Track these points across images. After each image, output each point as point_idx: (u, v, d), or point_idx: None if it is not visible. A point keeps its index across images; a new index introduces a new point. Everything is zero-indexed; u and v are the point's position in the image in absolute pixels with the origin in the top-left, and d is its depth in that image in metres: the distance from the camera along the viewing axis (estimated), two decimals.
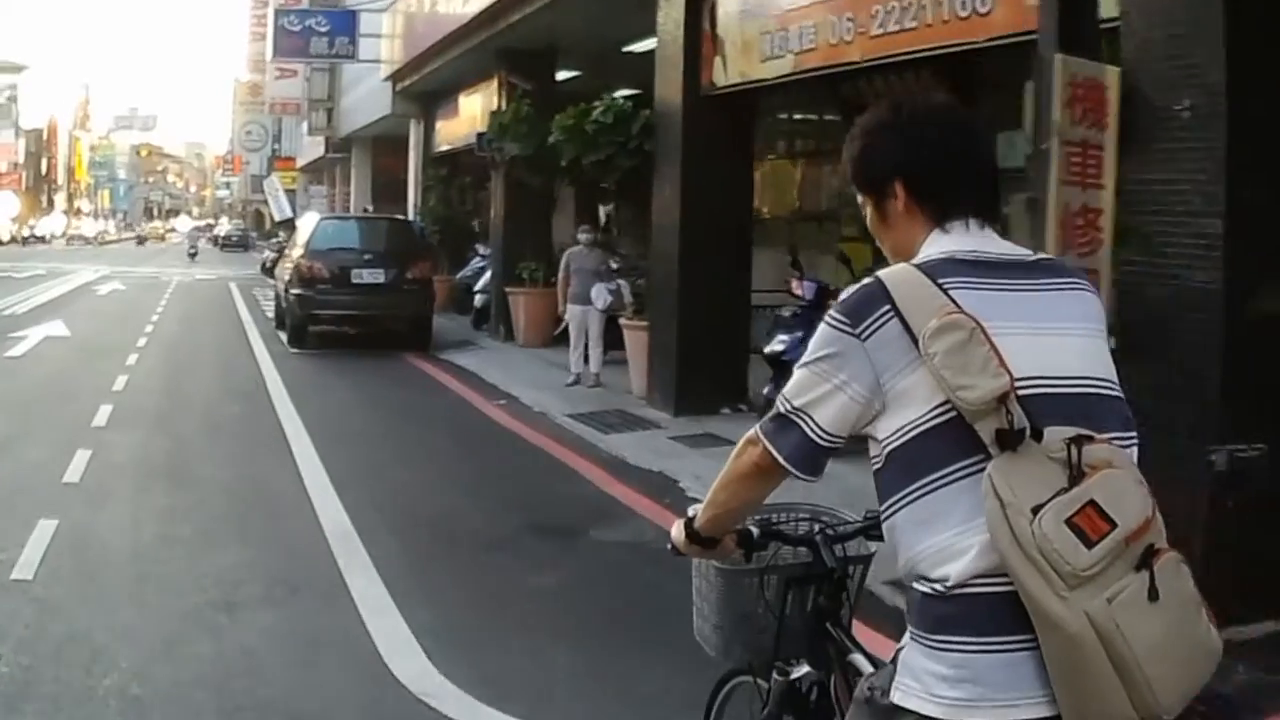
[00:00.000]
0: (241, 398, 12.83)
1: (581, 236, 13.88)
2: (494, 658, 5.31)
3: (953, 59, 8.29)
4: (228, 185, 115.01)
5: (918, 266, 2.00)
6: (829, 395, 1.99)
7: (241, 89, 68.29)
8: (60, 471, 8.65)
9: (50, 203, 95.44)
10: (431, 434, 11.26)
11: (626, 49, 15.36)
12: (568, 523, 7.75)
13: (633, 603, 6.12)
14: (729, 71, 10.86)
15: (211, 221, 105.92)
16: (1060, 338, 1.98)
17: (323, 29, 25.26)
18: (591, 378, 13.36)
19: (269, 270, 31.48)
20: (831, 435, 2.01)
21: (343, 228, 19.58)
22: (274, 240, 39.73)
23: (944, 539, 1.90)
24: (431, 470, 9.54)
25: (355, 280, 16.95)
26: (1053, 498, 1.80)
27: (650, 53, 12.49)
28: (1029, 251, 2.11)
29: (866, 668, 2.46)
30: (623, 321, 12.96)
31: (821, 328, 2.02)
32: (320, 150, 40.64)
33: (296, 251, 18.20)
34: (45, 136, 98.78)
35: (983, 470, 1.85)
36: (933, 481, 1.91)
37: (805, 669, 2.70)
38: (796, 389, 2.03)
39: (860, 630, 2.76)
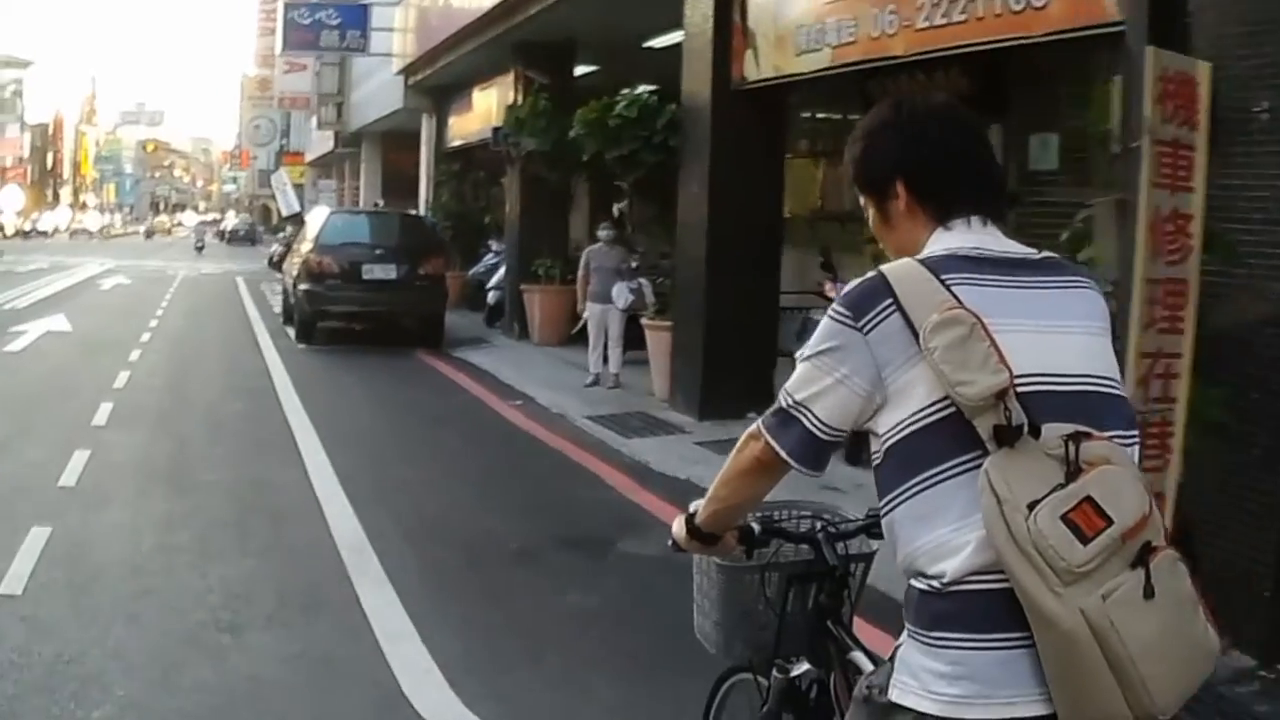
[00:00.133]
0: (247, 396, 12.40)
1: (602, 234, 13.44)
2: (524, 689, 4.86)
3: (984, 57, 7.95)
4: (235, 180, 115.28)
5: (921, 261, 1.99)
6: (830, 389, 1.98)
7: (250, 84, 68.16)
8: (56, 474, 8.21)
9: (56, 197, 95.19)
10: (446, 435, 10.85)
11: (647, 44, 15.08)
12: (594, 534, 7.31)
13: (672, 627, 5.55)
14: (761, 66, 10.46)
15: (218, 216, 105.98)
16: (1063, 335, 1.97)
17: (334, 22, 25.03)
18: (611, 379, 12.97)
19: (276, 264, 31.44)
20: (832, 429, 2.00)
21: (354, 222, 19.21)
22: (281, 235, 39.47)
23: (941, 535, 1.89)
24: (447, 473, 9.10)
25: (366, 276, 16.56)
26: (1049, 494, 1.79)
27: (672, 48, 12.14)
28: (1032, 249, 2.09)
29: (867, 666, 2.44)
30: (645, 321, 12.54)
31: (824, 321, 2.01)
32: (329, 145, 40.57)
33: (305, 246, 17.75)
34: (51, 131, 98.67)
35: (980, 466, 1.84)
36: (930, 477, 1.90)
37: (805, 666, 2.70)
38: (798, 383, 2.03)
39: (864, 628, 2.73)
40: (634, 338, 12.90)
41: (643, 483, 8.63)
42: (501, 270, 18.86)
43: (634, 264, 13.64)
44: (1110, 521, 1.79)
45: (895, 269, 1.99)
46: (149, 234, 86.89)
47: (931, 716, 1.87)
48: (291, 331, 17.86)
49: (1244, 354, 5.17)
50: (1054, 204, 9.55)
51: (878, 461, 2.00)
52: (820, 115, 13.79)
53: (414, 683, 4.78)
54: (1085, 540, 1.77)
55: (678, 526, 2.50)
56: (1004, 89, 9.79)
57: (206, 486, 8.20)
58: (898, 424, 1.94)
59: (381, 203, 30.16)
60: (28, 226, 71.20)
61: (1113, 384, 2.00)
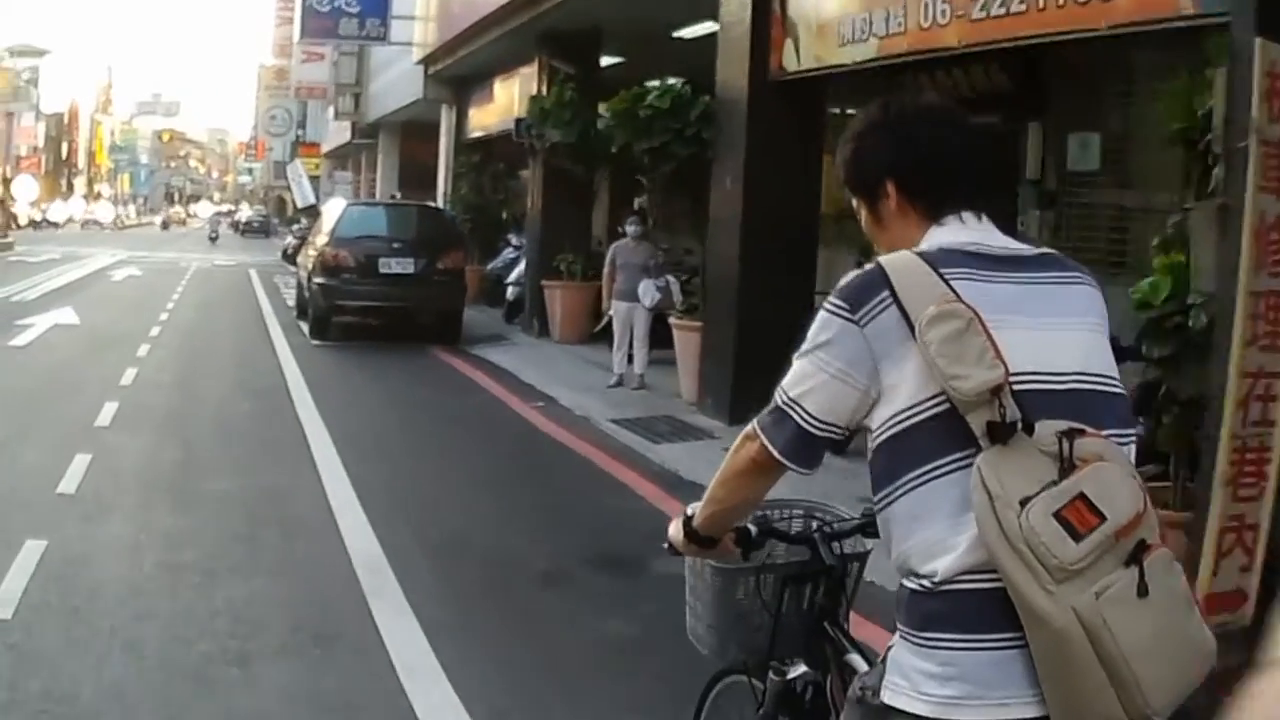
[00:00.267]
0: (259, 395, 11.95)
1: (629, 229, 12.95)
2: None
3: (1023, 53, 7.63)
4: (250, 171, 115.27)
5: (920, 255, 1.96)
6: (824, 384, 1.94)
7: (266, 74, 67.60)
8: (55, 480, 7.73)
9: (70, 187, 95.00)
10: (465, 438, 10.41)
11: (677, 34, 14.64)
12: (626, 551, 6.83)
13: None
14: (801, 57, 10.00)
15: (233, 207, 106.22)
16: (1060, 333, 1.94)
17: (353, 10, 24.61)
18: (636, 379, 12.50)
19: (290, 257, 31.24)
20: (824, 424, 1.96)
21: (371, 214, 18.75)
22: (296, 226, 39.17)
23: (934, 533, 1.87)
24: (468, 481, 8.65)
25: (383, 270, 16.10)
26: (1041, 490, 1.76)
27: (702, 39, 11.80)
28: (1030, 246, 2.07)
29: (863, 667, 2.40)
30: (673, 321, 12.07)
31: (820, 314, 1.98)
32: (346, 136, 40.30)
33: (321, 239, 17.29)
34: (66, 120, 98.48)
35: (973, 464, 1.80)
36: (923, 474, 1.88)
37: (801, 669, 2.67)
38: (794, 379, 1.99)
39: (862, 625, 2.67)
40: (658, 337, 12.47)
41: (673, 492, 8.13)
42: (521, 265, 18.41)
43: (660, 260, 13.20)
44: (1103, 519, 1.77)
45: (894, 261, 1.96)
46: (165, 225, 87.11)
47: (923, 718, 1.84)
48: (305, 326, 17.41)
49: None
50: (1093, 206, 9.16)
51: (871, 457, 1.97)
52: (849, 111, 13.33)
53: None
54: (1078, 537, 1.75)
55: (675, 530, 2.44)
56: (1043, 87, 9.36)
57: (214, 496, 7.73)
58: (890, 418, 1.91)
59: (398, 194, 29.78)
60: (38, 217, 70.64)
61: (1109, 381, 1.98)
